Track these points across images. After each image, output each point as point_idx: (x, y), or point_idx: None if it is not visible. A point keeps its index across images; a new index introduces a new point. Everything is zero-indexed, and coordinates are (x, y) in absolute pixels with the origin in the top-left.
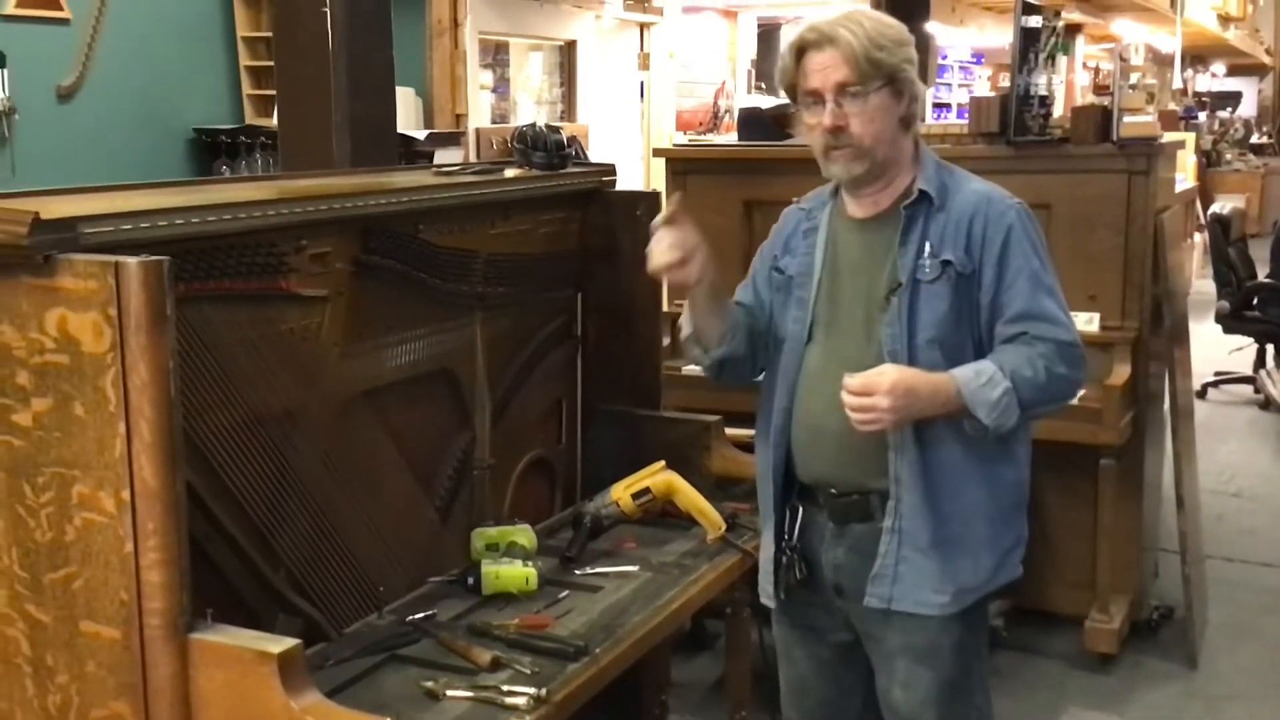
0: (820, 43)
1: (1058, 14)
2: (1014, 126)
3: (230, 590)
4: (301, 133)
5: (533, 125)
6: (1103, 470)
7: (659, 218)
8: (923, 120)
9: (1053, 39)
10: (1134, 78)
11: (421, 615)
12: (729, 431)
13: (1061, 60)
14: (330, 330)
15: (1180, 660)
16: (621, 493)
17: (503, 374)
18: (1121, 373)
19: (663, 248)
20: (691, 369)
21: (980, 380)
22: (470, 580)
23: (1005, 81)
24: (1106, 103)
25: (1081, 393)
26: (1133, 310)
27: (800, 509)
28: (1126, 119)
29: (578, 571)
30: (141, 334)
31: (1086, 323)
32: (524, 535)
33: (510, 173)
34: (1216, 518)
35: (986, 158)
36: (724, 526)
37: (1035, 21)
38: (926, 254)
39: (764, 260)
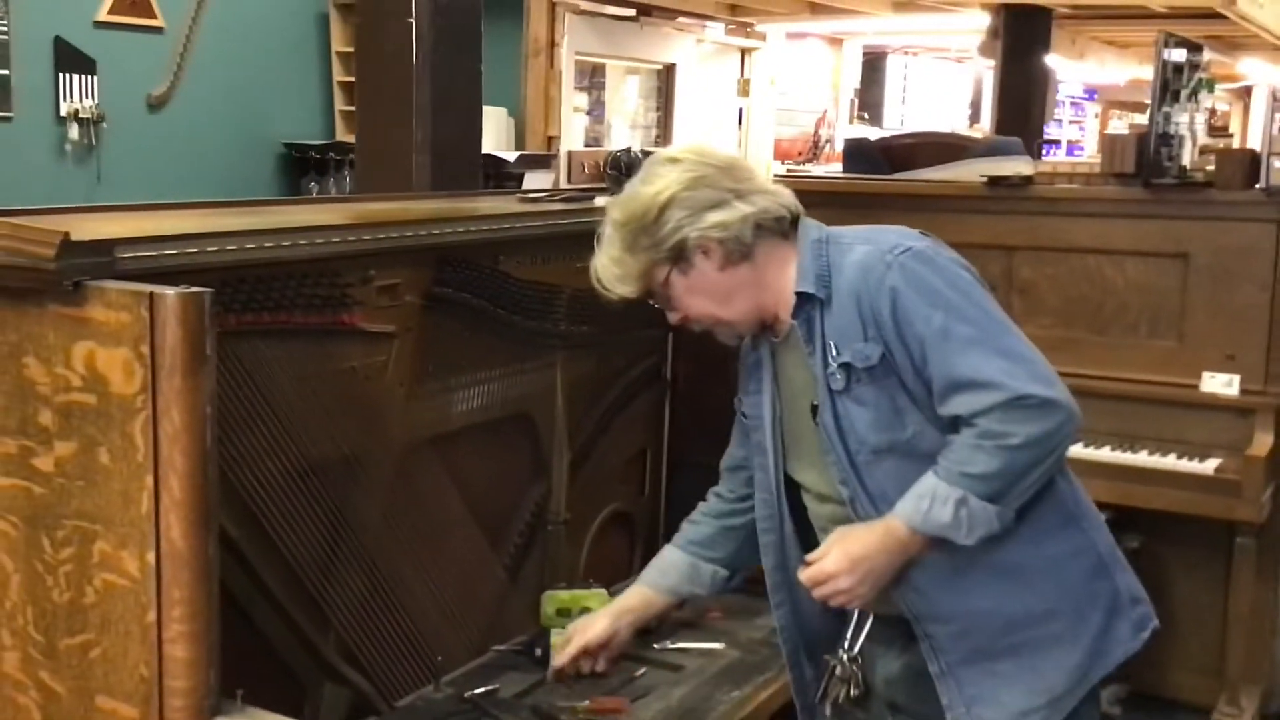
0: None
1: (1200, 49)
2: (1150, 168)
3: (273, 657)
4: (381, 152)
5: (628, 150)
6: (1239, 549)
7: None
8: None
9: (1197, 75)
10: None
11: (481, 690)
12: None
13: (1205, 99)
14: (396, 370)
15: None
16: None
17: (584, 420)
18: (1264, 443)
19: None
20: None
21: (923, 506)
22: (538, 651)
23: (1116, 120)
24: (1227, 144)
25: (1218, 462)
26: (1277, 373)
27: (870, 615)
28: (1277, 164)
29: (656, 645)
30: (176, 376)
31: (1225, 385)
32: (598, 600)
33: (601, 201)
34: None
35: (1119, 200)
36: None
37: (1179, 56)
38: (833, 360)
39: (740, 405)
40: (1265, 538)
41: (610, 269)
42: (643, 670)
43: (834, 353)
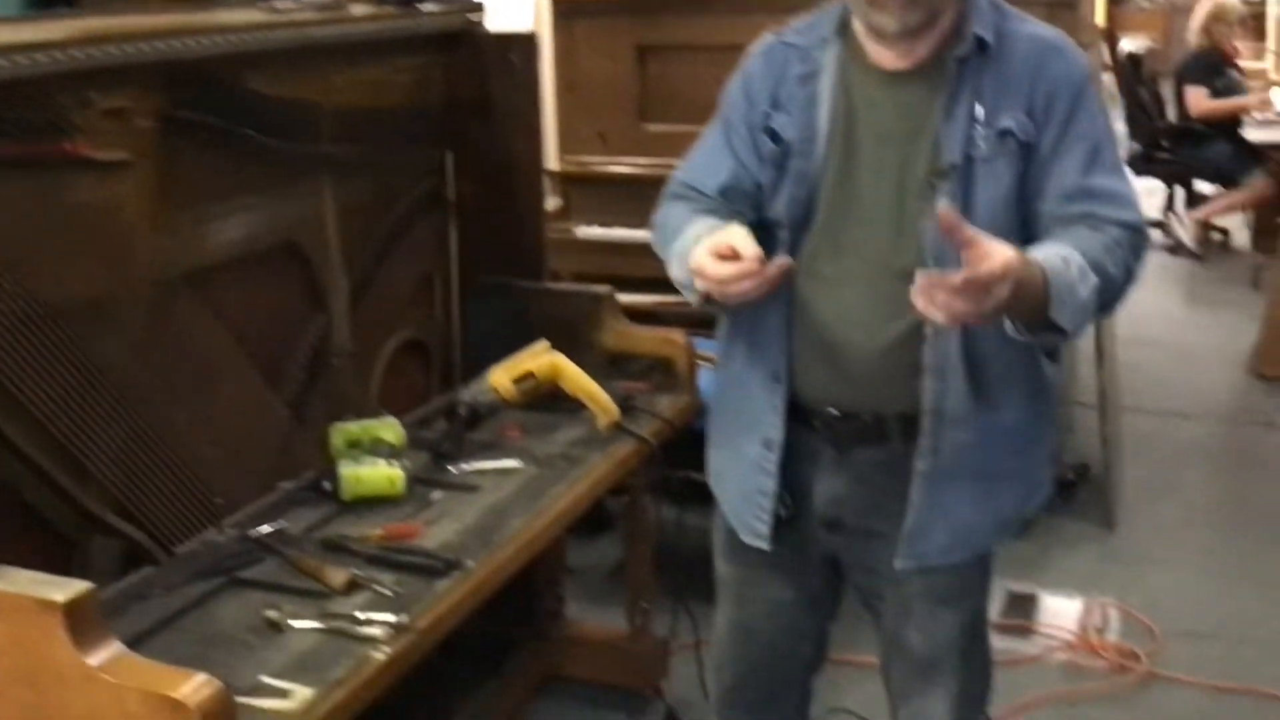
0: None
1: None
2: None
3: (32, 514)
4: None
5: None
6: None
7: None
8: None
9: None
10: None
11: (268, 529)
12: (623, 299)
13: None
14: (136, 202)
15: (1098, 521)
16: (501, 378)
17: (361, 247)
18: None
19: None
20: (588, 232)
21: (1070, 272)
22: (326, 484)
23: None
24: None
25: None
26: None
27: (785, 432)
28: None
29: (452, 469)
30: None
31: None
32: (390, 430)
33: (356, 9)
34: (1130, 368)
35: None
36: (617, 412)
37: None
38: (980, 122)
39: (742, 118)
40: None
41: None
42: (438, 494)
43: (983, 116)
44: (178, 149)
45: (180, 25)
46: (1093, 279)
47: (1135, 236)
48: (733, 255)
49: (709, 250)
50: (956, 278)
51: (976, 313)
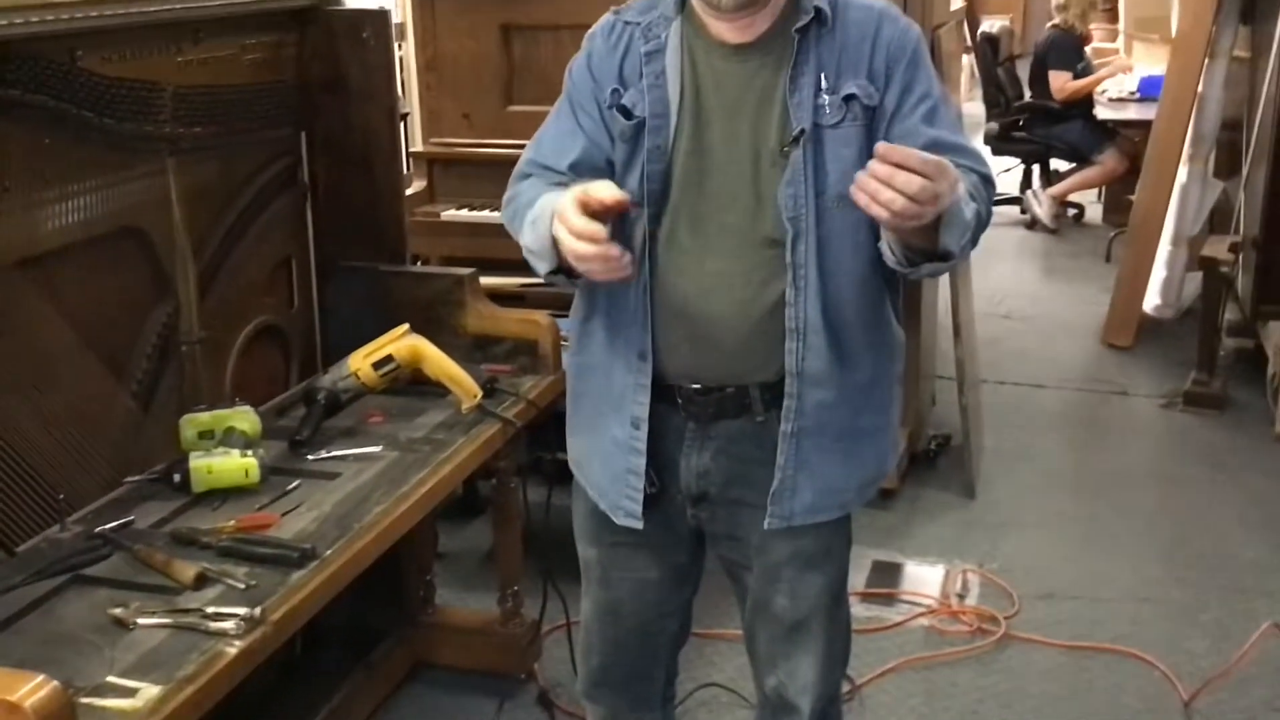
0: None
1: None
2: None
3: None
4: None
5: None
6: None
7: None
8: None
9: None
10: None
11: (114, 524)
12: (486, 282)
13: None
14: None
15: (958, 490)
16: (361, 362)
17: (210, 230)
18: None
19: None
20: (453, 214)
21: (959, 195)
22: (177, 476)
23: None
24: None
25: None
26: None
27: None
28: None
29: (311, 457)
30: None
31: None
32: (244, 419)
33: None
34: (988, 341)
35: None
36: (479, 394)
37: None
38: (824, 90)
39: (590, 97)
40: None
41: None
42: (296, 483)
43: (825, 84)
44: (6, 131)
45: (8, 1)
46: (973, 205)
47: (990, 188)
48: (600, 212)
49: (577, 196)
50: (924, 155)
51: (918, 214)
